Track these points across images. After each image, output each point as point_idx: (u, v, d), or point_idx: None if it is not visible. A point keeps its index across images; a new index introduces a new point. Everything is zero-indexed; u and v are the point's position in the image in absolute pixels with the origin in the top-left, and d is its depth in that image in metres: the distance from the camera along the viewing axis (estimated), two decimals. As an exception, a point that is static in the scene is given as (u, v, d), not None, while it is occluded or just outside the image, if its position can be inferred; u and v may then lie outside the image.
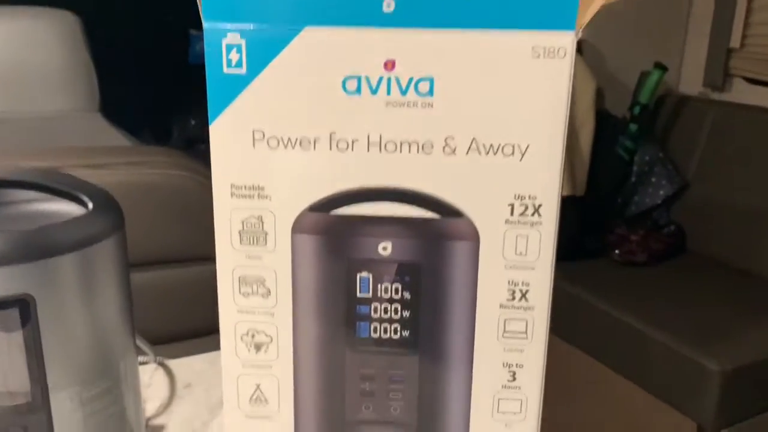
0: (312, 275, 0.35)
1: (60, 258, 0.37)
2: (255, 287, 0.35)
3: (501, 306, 0.34)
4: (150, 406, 0.56)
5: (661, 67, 1.90)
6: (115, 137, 1.16)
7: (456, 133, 0.32)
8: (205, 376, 0.61)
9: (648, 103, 1.91)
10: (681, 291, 1.45)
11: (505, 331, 0.34)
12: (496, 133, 0.32)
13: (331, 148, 0.33)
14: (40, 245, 0.37)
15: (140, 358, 0.64)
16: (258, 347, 0.36)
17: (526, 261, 0.34)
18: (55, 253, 0.37)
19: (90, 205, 0.40)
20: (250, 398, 0.36)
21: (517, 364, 0.35)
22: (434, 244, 0.34)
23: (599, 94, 1.80)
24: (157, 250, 1.03)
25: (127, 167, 1.01)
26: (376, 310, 0.35)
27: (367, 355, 0.35)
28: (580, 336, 1.42)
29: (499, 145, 0.32)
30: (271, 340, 0.35)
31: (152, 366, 0.63)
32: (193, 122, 2.53)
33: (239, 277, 0.35)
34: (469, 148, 0.32)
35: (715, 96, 2.00)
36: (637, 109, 1.90)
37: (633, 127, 1.88)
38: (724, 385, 1.15)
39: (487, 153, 0.32)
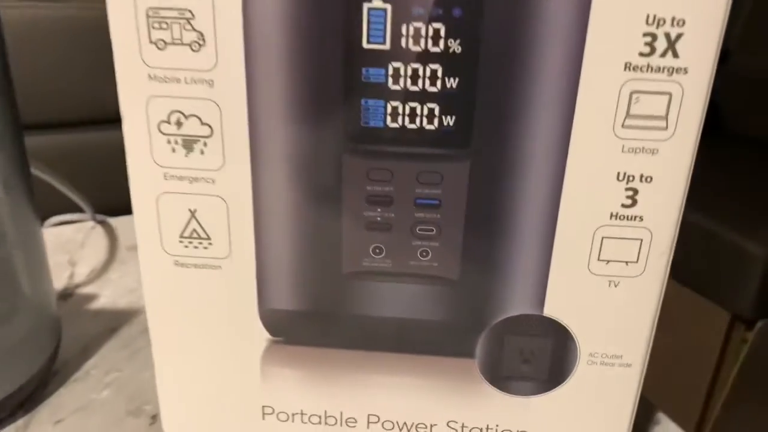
0: (281, 7, 0.19)
1: None
2: (177, 30, 0.19)
3: (629, 67, 0.19)
4: (80, 271, 0.42)
5: None
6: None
7: None
8: (158, 236, 0.47)
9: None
10: (718, 172, 1.30)
11: (629, 114, 0.19)
12: None
13: None
14: None
15: (74, 215, 0.49)
16: (189, 145, 0.20)
17: (686, -25, 0.18)
18: None
19: None
20: (181, 234, 0.22)
21: (643, 177, 0.20)
22: (512, -61, 0.18)
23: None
24: (103, 103, 0.86)
25: (66, 2, 0.82)
26: (396, 76, 0.19)
27: (380, 159, 0.20)
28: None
29: None
30: (211, 131, 0.20)
31: (89, 224, 0.48)
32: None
33: (148, 11, 0.19)
34: None
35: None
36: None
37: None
38: (766, 270, 1.03)
39: None
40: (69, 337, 0.35)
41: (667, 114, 0.19)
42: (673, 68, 0.19)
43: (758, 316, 1.07)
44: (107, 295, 0.40)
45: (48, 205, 0.50)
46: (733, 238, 1.06)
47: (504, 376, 0.23)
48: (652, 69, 0.19)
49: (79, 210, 0.48)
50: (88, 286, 0.41)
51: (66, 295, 0.40)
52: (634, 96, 0.19)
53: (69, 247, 0.45)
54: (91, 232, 0.47)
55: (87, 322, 0.37)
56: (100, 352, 0.35)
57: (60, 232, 0.47)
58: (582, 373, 0.23)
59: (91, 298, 0.40)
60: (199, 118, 0.20)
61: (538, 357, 0.23)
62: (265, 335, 0.23)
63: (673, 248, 0.21)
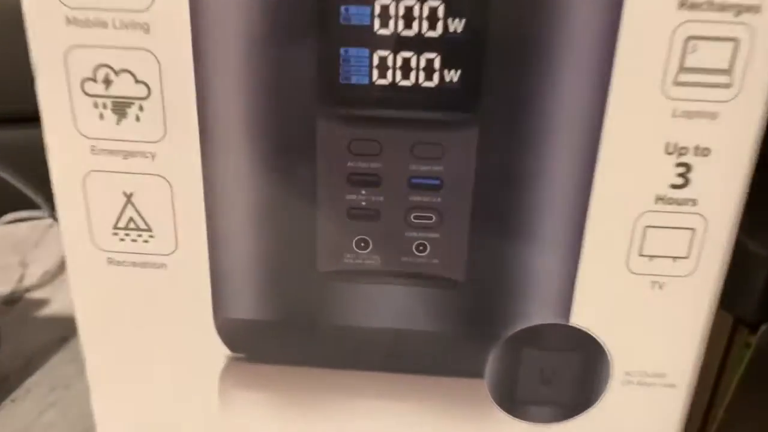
0: (234, -75, 0.14)
1: None
2: (100, -43, 0.15)
3: (684, 4, 0.14)
4: (32, 273, 0.38)
5: None
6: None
7: None
8: (122, 235, 0.42)
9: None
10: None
11: (683, 67, 0.15)
12: None
13: None
14: None
15: (31, 213, 0.45)
16: (121, 109, 0.16)
17: None
18: None
19: None
20: (115, 224, 0.17)
21: (698, 149, 0.16)
22: None
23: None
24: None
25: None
26: (385, 17, 0.15)
27: (365, 127, 0.16)
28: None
29: None
30: (149, 91, 0.16)
31: (46, 222, 0.44)
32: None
33: (61, -68, 0.15)
34: None
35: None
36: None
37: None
38: (771, 272, 0.99)
39: None
40: (11, 348, 0.31)
41: (731, 67, 0.15)
42: (742, 6, 0.14)
43: (762, 319, 1.04)
44: (59, 300, 0.35)
45: (4, 202, 0.46)
46: (737, 239, 1.03)
47: (520, 400, 0.19)
48: (714, 6, 0.14)
49: (37, 207, 0.43)
50: (39, 290, 0.36)
51: (13, 300, 0.35)
52: (691, 43, 0.15)
53: (21, 247, 0.41)
54: (48, 231, 0.43)
55: (34, 330, 0.33)
56: (46, 366, 0.30)
57: (13, 231, 0.43)
58: (615, 395, 0.18)
59: (41, 303, 0.35)
60: (133, 75, 0.16)
61: (562, 376, 0.18)
62: (224, 351, 0.18)
63: (734, 240, 0.17)
